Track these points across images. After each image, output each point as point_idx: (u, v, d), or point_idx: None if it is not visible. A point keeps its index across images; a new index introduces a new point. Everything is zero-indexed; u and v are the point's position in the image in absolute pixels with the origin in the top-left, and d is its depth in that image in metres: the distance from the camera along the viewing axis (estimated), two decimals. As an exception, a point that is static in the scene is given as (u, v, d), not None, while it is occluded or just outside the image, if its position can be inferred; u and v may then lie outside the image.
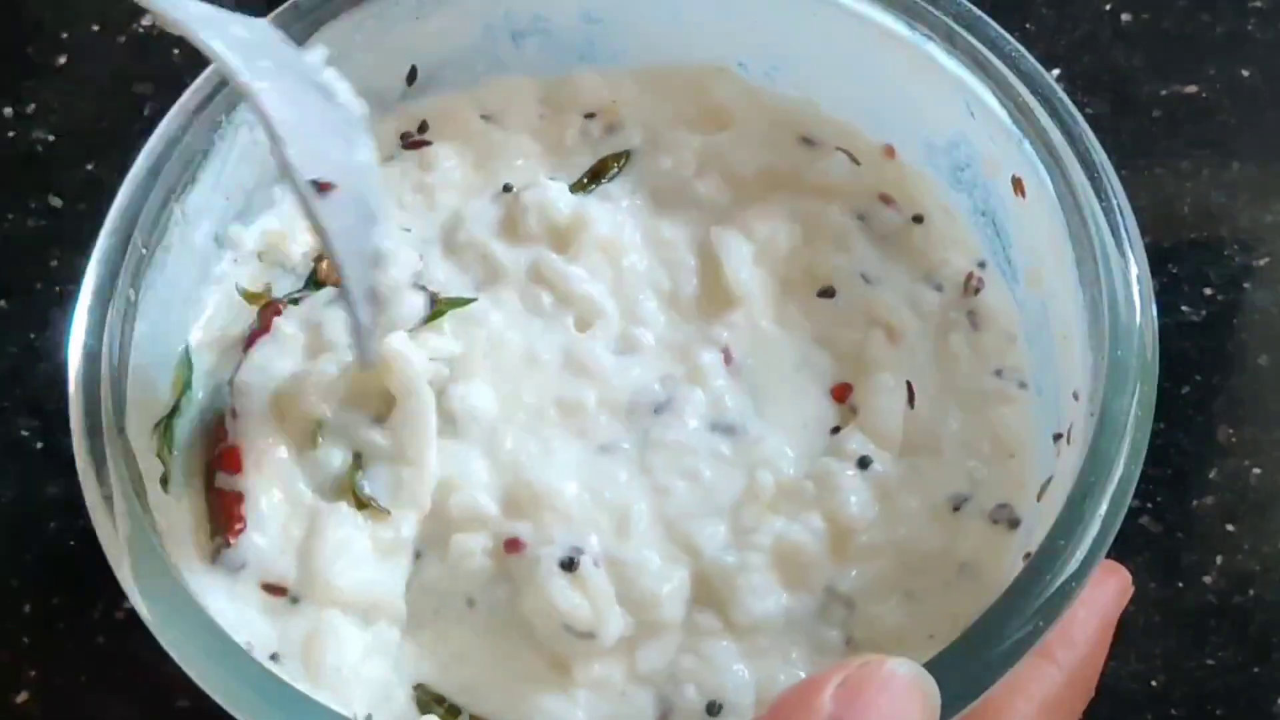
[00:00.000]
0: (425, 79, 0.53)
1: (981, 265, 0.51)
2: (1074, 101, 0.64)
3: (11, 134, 0.66)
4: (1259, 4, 0.67)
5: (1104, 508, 0.40)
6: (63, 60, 0.68)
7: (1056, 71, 0.65)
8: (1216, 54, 0.66)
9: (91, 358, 0.44)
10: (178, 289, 0.48)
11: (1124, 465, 0.41)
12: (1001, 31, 0.47)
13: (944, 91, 0.48)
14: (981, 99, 0.47)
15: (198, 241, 0.48)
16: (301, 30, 0.48)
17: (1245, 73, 0.65)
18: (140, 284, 0.45)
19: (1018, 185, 0.48)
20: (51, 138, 0.66)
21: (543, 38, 0.54)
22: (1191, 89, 0.65)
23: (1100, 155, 0.45)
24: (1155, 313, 0.43)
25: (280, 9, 0.49)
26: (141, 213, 0.46)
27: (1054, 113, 0.46)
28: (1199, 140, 0.64)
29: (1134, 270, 0.44)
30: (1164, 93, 0.65)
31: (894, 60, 0.49)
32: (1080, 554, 0.40)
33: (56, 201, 0.65)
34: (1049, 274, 0.47)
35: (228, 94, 0.47)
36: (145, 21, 0.68)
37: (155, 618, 0.40)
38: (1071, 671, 0.43)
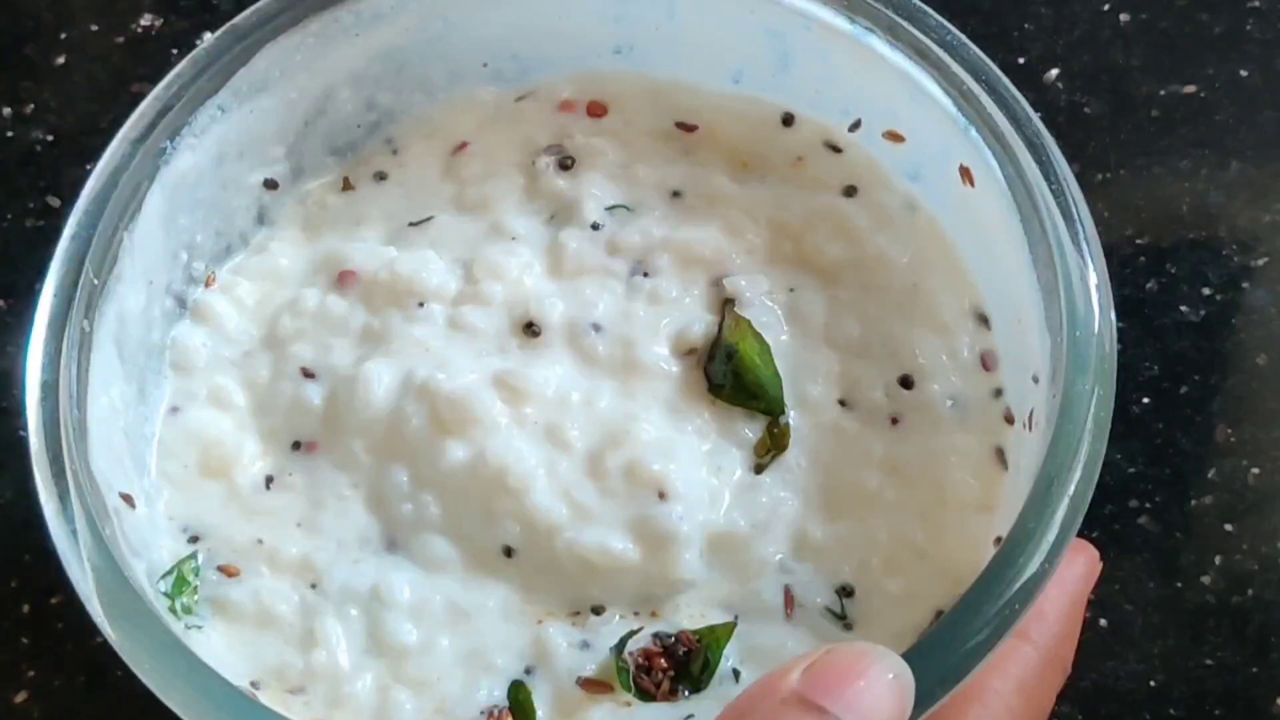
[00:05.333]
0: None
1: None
2: (1072, 101, 0.65)
3: (10, 134, 0.66)
4: (1257, 4, 0.67)
5: (1072, 489, 0.41)
6: (61, 60, 0.68)
7: (1055, 71, 0.65)
8: (1215, 54, 0.66)
9: (49, 390, 0.44)
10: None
11: (1089, 444, 0.41)
12: (942, 21, 0.48)
13: (889, 83, 0.49)
14: (925, 88, 0.48)
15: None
16: (242, 52, 0.49)
17: (1244, 72, 0.65)
18: (94, 315, 0.46)
19: (965, 174, 0.48)
20: (50, 138, 0.66)
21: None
22: (1190, 88, 0.65)
23: (1048, 139, 0.46)
24: (1109, 284, 0.44)
25: (219, 32, 0.49)
26: (91, 243, 0.46)
27: (999, 99, 0.46)
28: (1197, 140, 0.64)
29: (1085, 241, 0.44)
30: (1162, 92, 0.65)
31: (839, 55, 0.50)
32: (1051, 536, 0.40)
33: (55, 201, 0.65)
34: (1001, 260, 0.47)
35: (170, 121, 0.48)
36: (144, 21, 0.68)
37: (128, 649, 0.40)
38: (1046, 649, 0.44)
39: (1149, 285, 0.62)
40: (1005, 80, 0.47)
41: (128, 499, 0.46)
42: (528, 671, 0.46)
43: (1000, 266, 0.47)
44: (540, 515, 0.46)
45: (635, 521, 0.46)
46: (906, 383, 0.49)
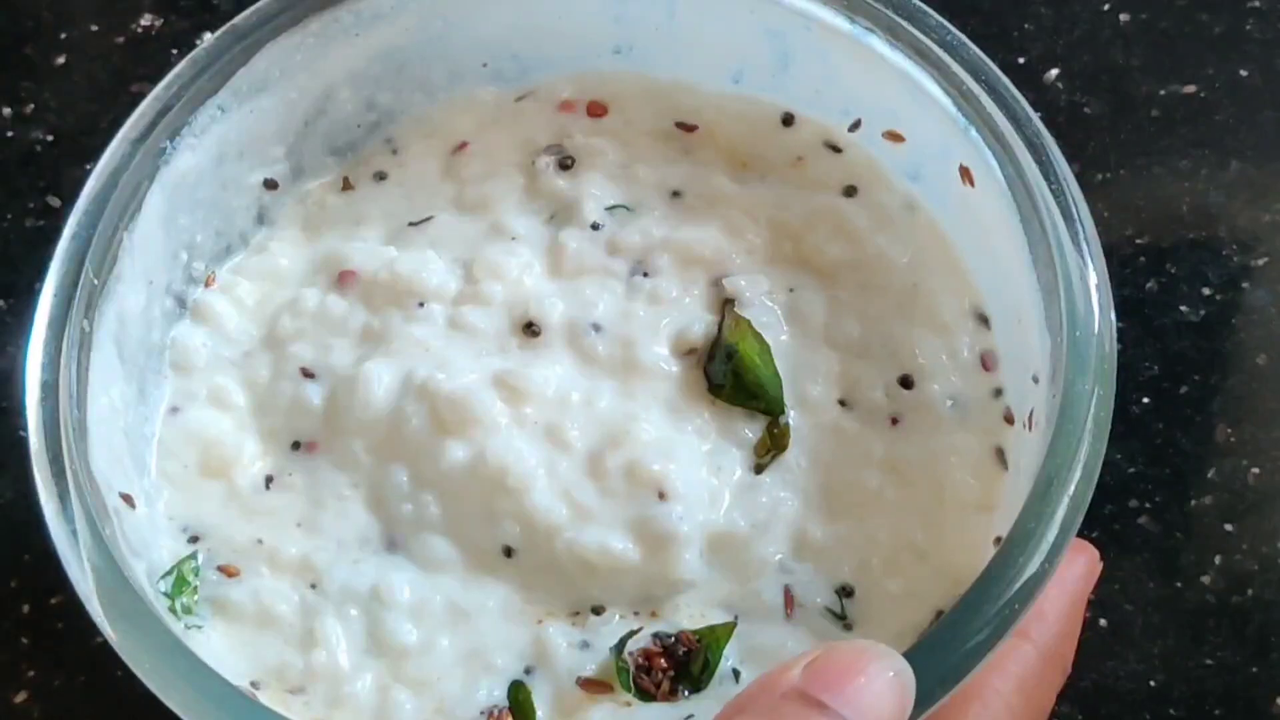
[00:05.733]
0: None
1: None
2: (1072, 101, 0.65)
3: (10, 134, 0.66)
4: (1257, 4, 0.67)
5: (1072, 489, 0.41)
6: (61, 60, 0.68)
7: (1055, 71, 0.65)
8: (1215, 54, 0.66)
9: (49, 390, 0.44)
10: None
11: (1089, 444, 0.41)
12: (942, 21, 0.48)
13: (889, 82, 0.49)
14: (924, 88, 0.48)
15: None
16: (242, 52, 0.49)
17: (1244, 72, 0.65)
18: (94, 315, 0.46)
19: (965, 174, 0.48)
20: (50, 138, 0.66)
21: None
22: (1190, 89, 0.65)
23: (1047, 139, 0.46)
24: (1109, 284, 0.44)
25: (220, 32, 0.49)
26: (91, 243, 0.46)
27: (999, 99, 0.46)
28: (1197, 140, 0.64)
29: (1085, 241, 0.44)
30: (1162, 92, 0.65)
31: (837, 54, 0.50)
32: (1051, 536, 0.40)
33: (55, 201, 0.65)
34: (1002, 260, 0.47)
35: (170, 121, 0.48)
36: (144, 21, 0.68)
37: (128, 649, 0.40)
38: (1046, 648, 0.44)
39: (1149, 285, 0.62)
40: (1005, 80, 0.47)
41: (128, 499, 0.46)
42: (528, 671, 0.46)
43: (1000, 266, 0.47)
44: (540, 515, 0.46)
45: (635, 521, 0.46)
46: (906, 383, 0.49)
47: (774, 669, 0.36)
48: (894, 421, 0.48)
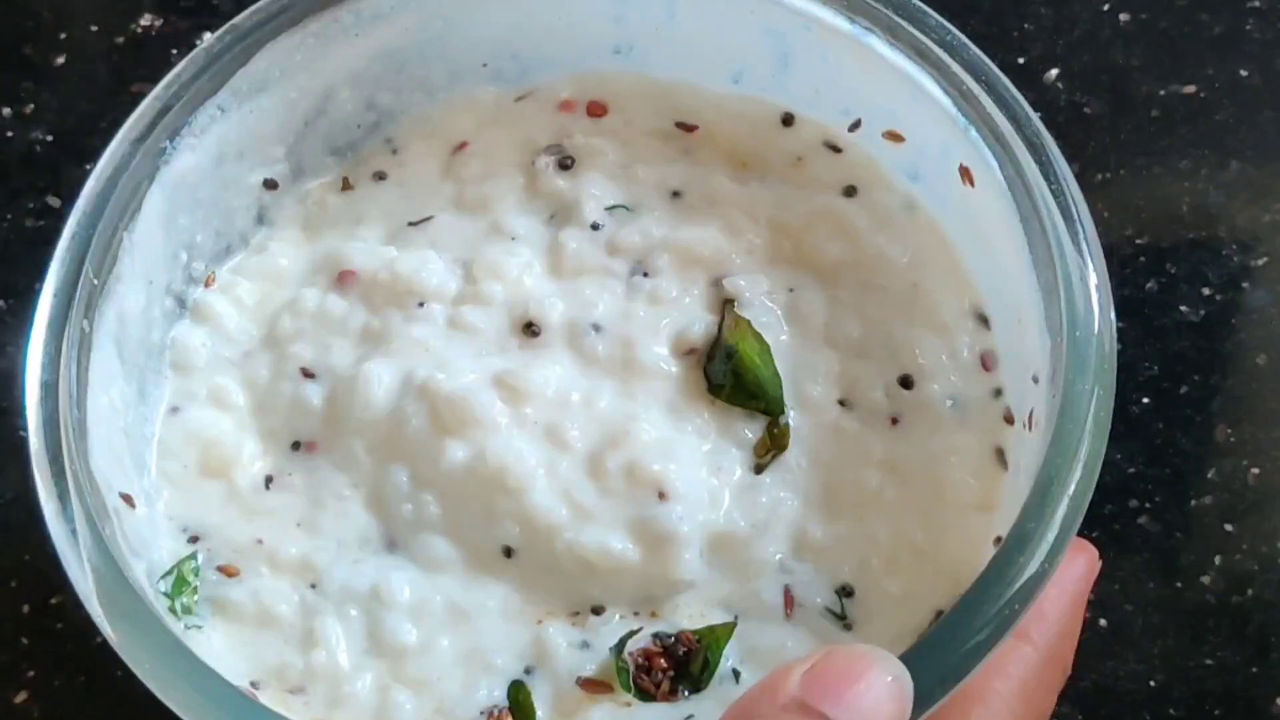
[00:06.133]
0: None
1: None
2: (1072, 101, 0.65)
3: (10, 134, 0.67)
4: (1257, 4, 0.67)
5: (1072, 489, 0.41)
6: (61, 60, 0.68)
7: (1055, 71, 0.65)
8: (1215, 54, 0.66)
9: (49, 390, 0.44)
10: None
11: (1089, 444, 0.41)
12: (942, 21, 0.48)
13: (888, 82, 0.49)
14: (924, 88, 0.48)
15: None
16: (242, 52, 0.49)
17: (1244, 72, 0.65)
18: (94, 315, 0.46)
19: (965, 174, 0.48)
20: (50, 138, 0.66)
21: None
22: (1190, 89, 0.65)
23: (1047, 139, 0.46)
24: (1109, 284, 0.44)
25: (219, 32, 0.49)
26: (91, 243, 0.46)
27: (999, 99, 0.46)
28: (1197, 140, 0.64)
29: (1085, 241, 0.44)
30: (1162, 92, 0.65)
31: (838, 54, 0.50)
32: (1051, 536, 0.40)
33: (55, 201, 0.65)
34: (1001, 260, 0.47)
35: (170, 121, 0.48)
36: (144, 21, 0.68)
37: (128, 649, 0.40)
38: (1047, 649, 0.44)
39: (1149, 285, 0.62)
40: (1005, 80, 0.47)
41: (128, 499, 0.46)
42: (528, 671, 0.46)
43: (1000, 266, 0.47)
44: (540, 515, 0.46)
45: (635, 522, 0.46)
46: (906, 383, 0.49)
47: (773, 674, 0.36)
48: (894, 421, 0.48)
